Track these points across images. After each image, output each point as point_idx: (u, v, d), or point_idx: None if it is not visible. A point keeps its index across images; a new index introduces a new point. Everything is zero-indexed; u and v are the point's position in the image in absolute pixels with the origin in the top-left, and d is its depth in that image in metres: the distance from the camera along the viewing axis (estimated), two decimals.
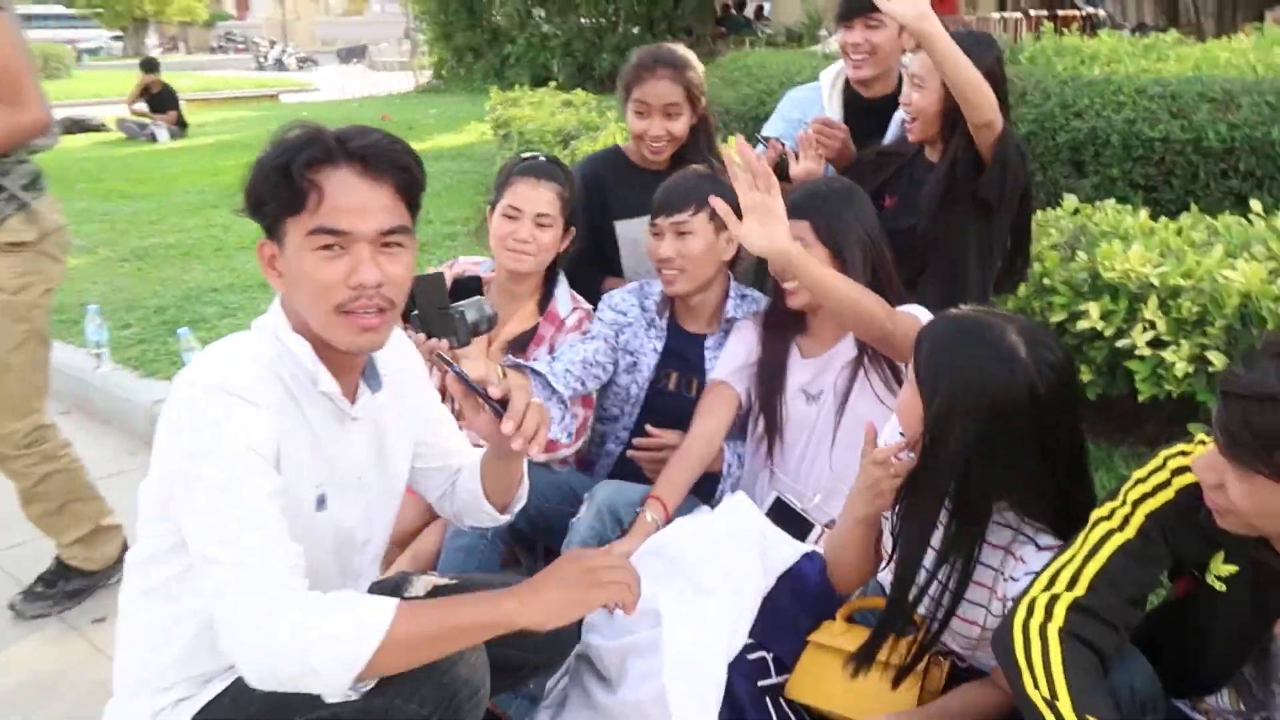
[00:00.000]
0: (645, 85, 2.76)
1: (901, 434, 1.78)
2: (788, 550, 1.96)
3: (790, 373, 2.37)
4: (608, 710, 1.90)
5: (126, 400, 3.97)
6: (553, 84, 8.60)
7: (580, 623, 1.92)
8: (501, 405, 1.60)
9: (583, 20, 16.37)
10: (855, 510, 1.82)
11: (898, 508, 1.75)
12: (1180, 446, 1.54)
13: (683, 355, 2.55)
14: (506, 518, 1.85)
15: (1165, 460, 1.54)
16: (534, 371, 2.33)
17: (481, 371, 2.13)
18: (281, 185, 1.44)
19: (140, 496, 1.54)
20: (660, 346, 2.55)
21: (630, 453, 2.47)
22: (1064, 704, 1.39)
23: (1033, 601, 1.50)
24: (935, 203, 2.53)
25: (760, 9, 21.82)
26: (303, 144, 1.45)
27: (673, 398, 2.55)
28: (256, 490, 1.39)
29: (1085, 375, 2.99)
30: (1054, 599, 1.49)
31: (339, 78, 20.25)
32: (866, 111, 2.95)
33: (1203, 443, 1.52)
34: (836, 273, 2.11)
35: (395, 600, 1.38)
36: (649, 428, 2.46)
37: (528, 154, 2.60)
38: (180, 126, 12.51)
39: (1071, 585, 1.50)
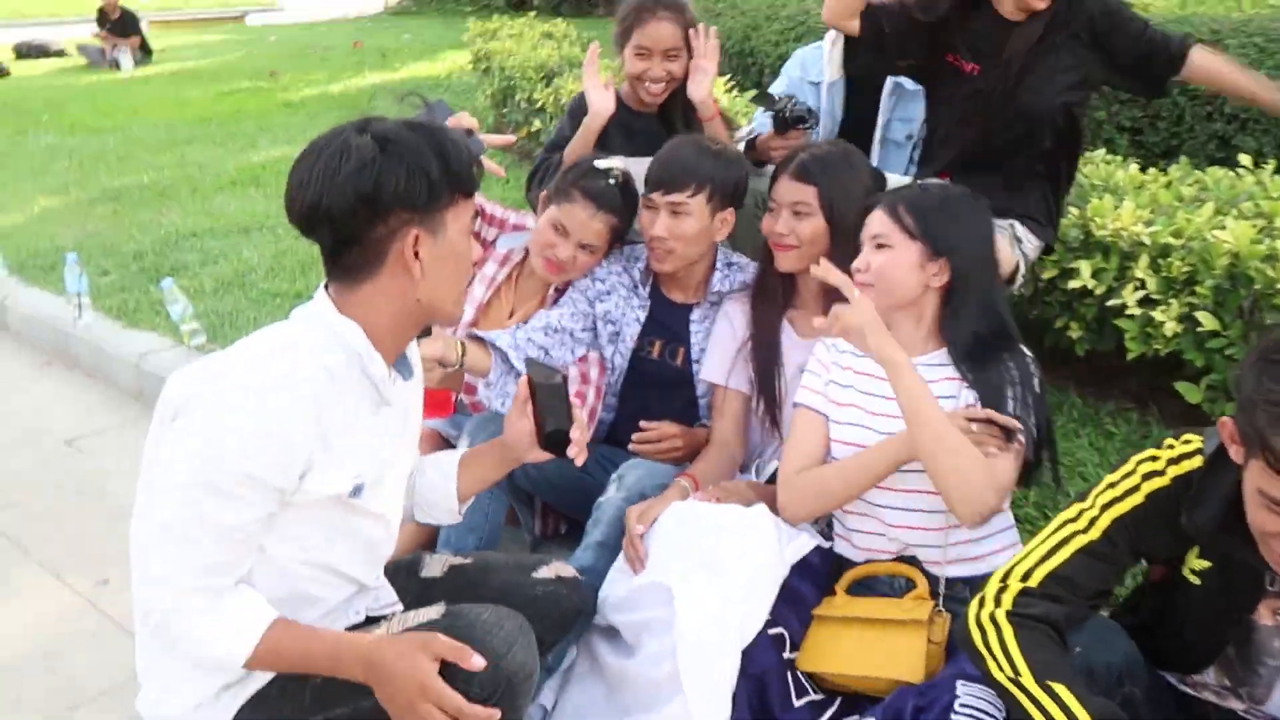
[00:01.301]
0: (647, 28, 2.75)
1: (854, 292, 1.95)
2: (801, 541, 2.00)
3: (787, 354, 2.35)
4: (621, 675, 1.94)
5: (110, 354, 3.93)
6: (532, 14, 8.40)
7: (586, 607, 1.97)
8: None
9: None
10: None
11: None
12: (1150, 451, 1.57)
13: (667, 325, 2.52)
14: (459, 519, 1.91)
15: (1136, 465, 1.57)
16: (495, 347, 2.31)
17: (439, 350, 2.14)
18: (463, 177, 1.52)
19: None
20: (643, 316, 2.52)
21: (632, 446, 2.44)
22: (1026, 678, 1.46)
23: (984, 595, 1.58)
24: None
25: None
26: (463, 140, 1.58)
27: (657, 365, 2.54)
28: (224, 522, 1.43)
29: (1075, 331, 3.02)
30: (1003, 590, 1.56)
31: None
32: None
33: (1170, 446, 1.55)
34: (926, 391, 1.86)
35: (261, 633, 1.48)
36: (643, 423, 2.44)
37: (602, 163, 2.50)
38: (144, 53, 12.16)
39: (1025, 579, 1.56)
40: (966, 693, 1.64)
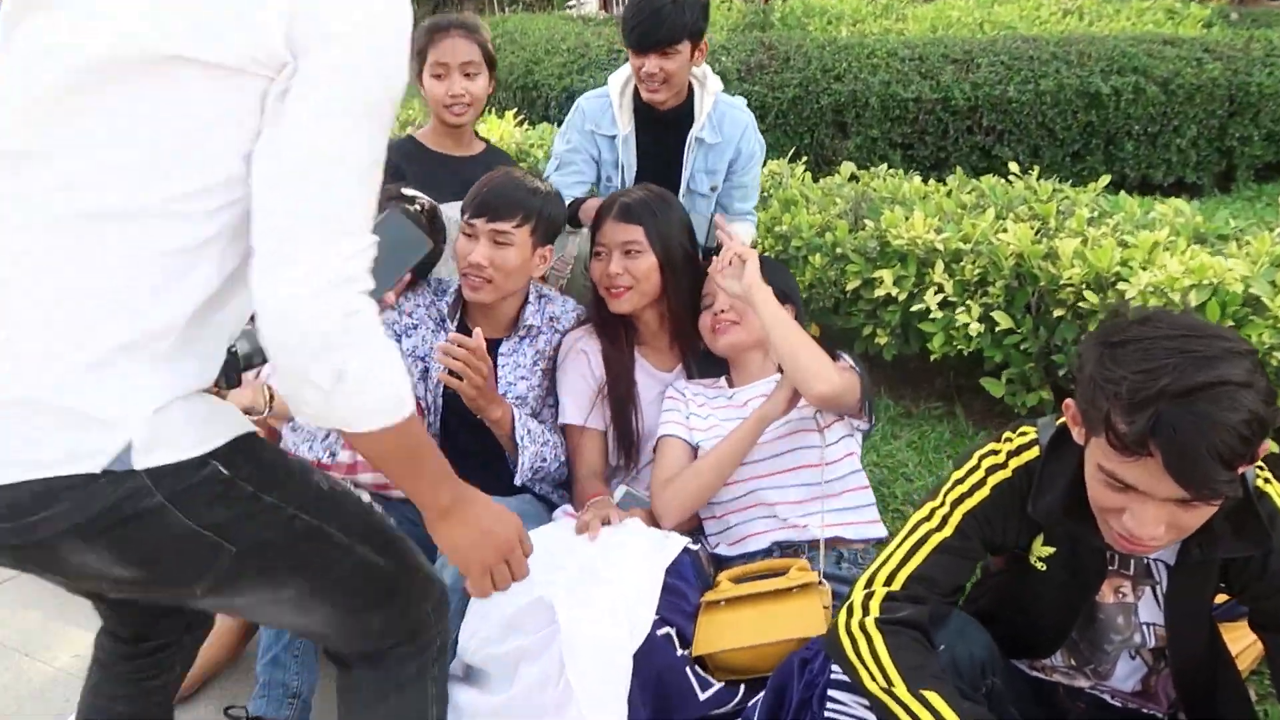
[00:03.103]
0: (441, 45, 2.73)
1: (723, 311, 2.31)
2: (673, 542, 2.00)
3: (643, 388, 2.35)
4: (503, 712, 1.81)
5: None
6: None
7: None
8: None
9: None
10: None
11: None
12: (991, 445, 1.63)
13: None
14: None
15: (979, 460, 1.63)
16: None
17: (248, 399, 2.01)
18: None
19: None
20: None
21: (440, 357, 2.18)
22: (899, 688, 1.45)
23: (851, 603, 1.58)
24: None
25: None
26: None
27: None
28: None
29: (881, 338, 3.14)
30: (869, 596, 1.56)
31: None
32: (658, 121, 2.93)
33: (1009, 439, 1.61)
34: (787, 317, 2.17)
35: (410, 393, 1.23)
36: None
37: (409, 191, 2.40)
38: None
39: (889, 583, 1.58)
40: None
